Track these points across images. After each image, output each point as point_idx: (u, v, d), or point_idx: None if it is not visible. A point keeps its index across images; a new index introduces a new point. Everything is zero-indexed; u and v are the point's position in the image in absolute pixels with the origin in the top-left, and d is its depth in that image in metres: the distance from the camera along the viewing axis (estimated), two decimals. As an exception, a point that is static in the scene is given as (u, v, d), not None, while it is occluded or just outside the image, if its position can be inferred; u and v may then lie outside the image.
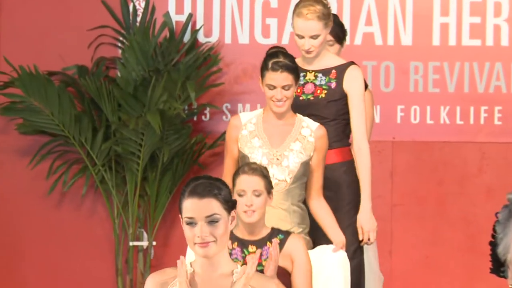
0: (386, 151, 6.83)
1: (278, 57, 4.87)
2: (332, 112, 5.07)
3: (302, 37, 4.94)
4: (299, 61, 5.07)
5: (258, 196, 4.31)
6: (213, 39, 6.89)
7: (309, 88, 5.15)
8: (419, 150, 6.98)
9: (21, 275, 6.52)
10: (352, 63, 5.22)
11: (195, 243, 2.89)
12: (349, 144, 5.11)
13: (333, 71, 5.09)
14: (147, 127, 6.46)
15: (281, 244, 4.33)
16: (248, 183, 4.30)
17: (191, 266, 2.98)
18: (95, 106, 6.74)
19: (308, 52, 4.98)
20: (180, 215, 2.90)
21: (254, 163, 4.62)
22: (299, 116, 4.57)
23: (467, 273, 6.62)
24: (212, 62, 6.76)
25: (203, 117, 6.73)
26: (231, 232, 3.91)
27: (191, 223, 2.90)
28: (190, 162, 6.59)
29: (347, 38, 6.17)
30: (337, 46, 5.68)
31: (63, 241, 6.61)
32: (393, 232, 6.75)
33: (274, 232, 4.36)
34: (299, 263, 4.39)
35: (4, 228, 6.97)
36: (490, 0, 6.92)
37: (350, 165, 5.12)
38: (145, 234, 6.91)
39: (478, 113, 6.86)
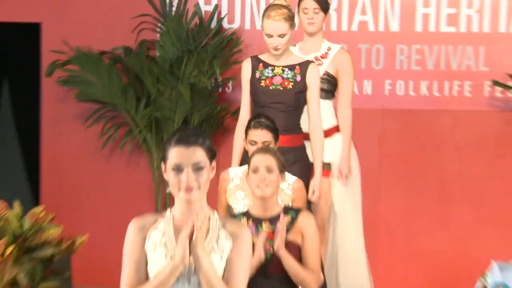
0: (376, 118, 7.36)
1: (260, 118, 5.34)
2: (297, 102, 5.65)
3: (271, 36, 5.46)
4: (266, 58, 5.74)
5: (270, 172, 4.52)
6: (235, 25, 7.43)
7: (277, 80, 5.69)
8: (403, 117, 7.47)
9: (79, 214, 6.99)
10: (311, 61, 5.83)
11: (179, 189, 2.94)
12: (301, 131, 5.84)
13: (297, 67, 5.65)
14: (181, 97, 6.97)
15: (293, 220, 4.54)
16: (261, 160, 4.55)
17: (170, 212, 3.09)
18: (138, 80, 7.25)
19: (276, 49, 5.49)
20: (163, 163, 2.99)
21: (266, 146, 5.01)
22: None
23: (442, 219, 7.21)
24: (234, 44, 7.33)
25: (226, 89, 7.25)
26: (247, 211, 4.63)
27: (178, 169, 2.94)
28: (216, 126, 7.09)
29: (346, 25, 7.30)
30: (322, 14, 6.08)
31: (113, 189, 7.13)
32: (381, 187, 7.31)
33: (286, 210, 4.60)
34: (309, 238, 4.59)
35: (66, 178, 7.54)
36: None
37: (302, 151, 5.77)
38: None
39: (451, 87, 7.38)
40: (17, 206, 5.91)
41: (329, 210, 6.06)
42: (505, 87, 7.11)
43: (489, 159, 7.22)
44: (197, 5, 7.27)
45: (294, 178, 5.04)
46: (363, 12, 7.36)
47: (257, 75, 5.69)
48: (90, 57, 7.19)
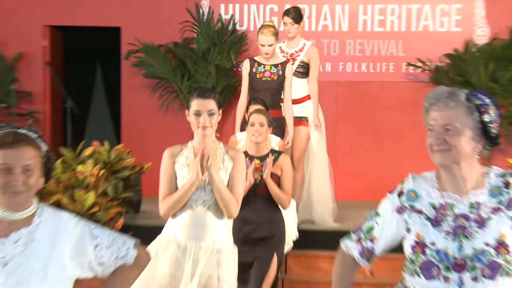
0: (333, 87, 9.50)
1: (257, 99, 6.30)
2: (279, 88, 6.88)
3: (263, 45, 6.74)
4: (260, 59, 6.91)
5: (262, 126, 5.34)
6: (244, 28, 9.55)
7: (267, 74, 6.87)
8: (350, 86, 9.74)
9: (146, 149, 8.13)
10: (288, 61, 7.17)
11: (198, 127, 3.90)
12: (281, 107, 6.98)
13: (279, 65, 6.86)
14: (209, 73, 9.00)
15: (276, 159, 5.34)
16: (256, 117, 5.38)
17: (191, 143, 4.06)
18: (182, 63, 9.20)
19: (266, 54, 6.72)
20: (187, 110, 4.02)
21: (259, 108, 5.82)
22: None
23: (376, 150, 9.15)
24: (243, 40, 9.41)
25: (238, 68, 8.93)
26: (245, 151, 5.34)
27: (197, 114, 3.90)
28: (232, 92, 9.03)
29: (313, 25, 9.28)
30: (296, 25, 7.41)
31: (167, 133, 8.55)
32: (337, 130, 9.10)
33: (272, 152, 5.42)
34: (285, 172, 5.46)
35: (137, 126, 9.43)
36: (388, 7, 9.66)
37: (283, 119, 6.88)
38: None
39: (381, 66, 9.69)
40: (106, 144, 7.47)
41: (305, 147, 7.32)
42: (415, 66, 9.26)
43: (405, 112, 8.90)
44: (219, 15, 9.32)
45: (278, 138, 6.18)
46: (325, 19, 9.50)
47: (254, 70, 6.90)
48: (152, 48, 9.10)
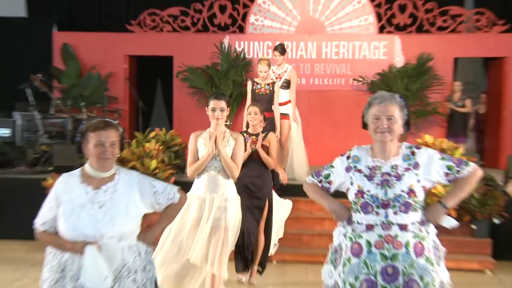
0: (306, 93, 9.77)
1: (255, 103, 5.72)
2: (270, 99, 6.86)
3: (260, 71, 6.82)
4: (258, 80, 6.82)
5: (256, 114, 5.28)
6: (250, 56, 10.24)
7: (263, 90, 6.89)
8: (317, 93, 10.07)
9: (189, 136, 7.70)
10: (275, 81, 6.93)
11: (213, 119, 4.16)
12: (272, 110, 6.86)
13: (270, 84, 6.89)
14: (229, 85, 9.65)
15: (265, 136, 5.33)
16: (253, 109, 5.31)
17: (208, 129, 4.25)
18: (212, 79, 10.02)
19: (263, 78, 6.82)
20: (206, 107, 4.22)
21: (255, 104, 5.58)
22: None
23: (332, 133, 9.67)
24: (250, 64, 10.06)
25: (247, 83, 7.51)
26: (246, 130, 5.38)
27: (213, 110, 4.19)
28: (243, 97, 8.75)
29: (290, 56, 9.68)
30: (282, 56, 7.44)
31: (202, 123, 5.50)
32: (308, 122, 9.03)
33: (263, 132, 5.36)
34: (272, 144, 5.40)
35: (183, 118, 9.83)
36: (341, 43, 9.89)
37: (273, 119, 6.83)
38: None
39: (337, 81, 10.12)
40: (163, 130, 7.74)
41: (288, 132, 7.49)
42: (358, 80, 9.98)
43: (351, 109, 9.54)
44: (235, 48, 10.29)
45: (271, 131, 5.77)
46: (301, 50, 10.29)
47: (254, 87, 6.96)
48: (192, 69, 10.11)
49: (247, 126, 5.57)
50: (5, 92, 9.63)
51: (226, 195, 4.41)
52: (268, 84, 6.94)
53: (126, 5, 11.19)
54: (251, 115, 5.36)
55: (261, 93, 6.94)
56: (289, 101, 7.57)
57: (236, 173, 4.40)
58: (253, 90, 7.02)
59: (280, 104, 7.25)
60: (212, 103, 4.30)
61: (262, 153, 5.31)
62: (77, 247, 2.85)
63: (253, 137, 5.40)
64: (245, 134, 5.31)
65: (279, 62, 7.62)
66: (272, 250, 5.93)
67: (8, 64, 10.48)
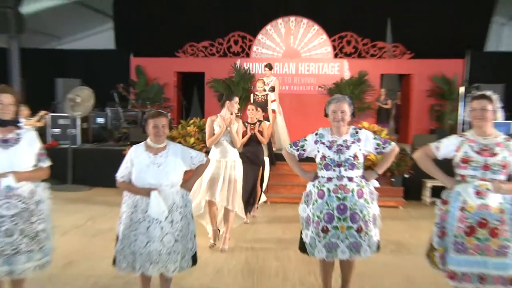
0: (288, 96, 9.90)
1: (253, 104, 5.33)
2: (265, 104, 6.88)
3: (258, 87, 7.05)
4: (256, 92, 6.90)
5: (253, 110, 5.04)
6: (254, 72, 10.33)
7: (260, 99, 6.98)
8: (294, 96, 10.13)
9: None
10: (267, 94, 7.01)
11: (229, 110, 4.02)
12: (267, 111, 6.90)
13: (265, 95, 7.02)
14: (239, 90, 9.72)
15: (260, 123, 5.16)
16: (252, 106, 4.97)
17: (220, 114, 4.13)
18: (229, 86, 10.08)
19: (260, 91, 6.98)
20: (228, 101, 4.09)
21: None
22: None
23: (305, 124, 8.09)
24: (253, 77, 10.11)
25: (252, 89, 9.58)
26: (247, 121, 4.98)
27: (234, 104, 4.07)
28: (248, 98, 9.12)
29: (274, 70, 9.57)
30: (270, 71, 7.66)
31: None
32: (289, 117, 8.60)
33: (258, 121, 5.16)
34: (264, 129, 5.16)
35: (210, 113, 8.44)
36: (311, 64, 10.01)
37: (267, 117, 6.86)
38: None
39: (309, 88, 10.24)
40: (198, 119, 7.33)
41: (274, 121, 7.41)
42: (322, 87, 10.12)
43: (317, 107, 8.89)
44: (243, 67, 10.36)
45: (268, 122, 5.98)
46: (285, 68, 10.41)
47: (254, 98, 7.16)
48: (217, 80, 10.33)
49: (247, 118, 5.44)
50: (101, 95, 9.28)
51: (233, 159, 4.28)
52: (263, 96, 7.18)
53: (175, 40, 10.90)
54: (249, 111, 5.28)
55: (259, 101, 7.11)
56: (274, 100, 7.78)
57: (238, 144, 4.29)
58: (254, 99, 7.29)
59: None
60: (232, 100, 4.34)
61: (258, 135, 5.19)
62: (145, 192, 2.76)
63: (252, 125, 5.23)
64: (246, 123, 5.18)
65: (268, 75, 7.86)
66: (265, 197, 5.89)
67: (103, 78, 10.32)
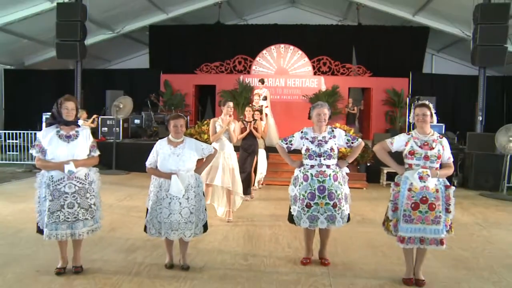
0: (278, 104, 9.45)
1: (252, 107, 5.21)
2: (261, 111, 5.72)
3: (255, 99, 6.45)
4: (254, 103, 6.24)
5: (250, 112, 4.86)
6: (252, 84, 10.05)
7: (257, 107, 5.91)
8: (283, 103, 9.89)
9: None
10: (265, 100, 6.91)
11: (227, 114, 3.73)
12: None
13: (261, 106, 6.39)
14: (242, 98, 9.56)
15: (255, 121, 5.00)
16: (248, 109, 4.77)
17: (220, 117, 3.84)
18: (233, 95, 9.65)
19: (256, 103, 6.32)
20: (223, 106, 3.82)
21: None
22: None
23: (293, 123, 7.13)
24: (252, 88, 9.78)
25: (251, 98, 9.01)
26: (245, 120, 4.81)
27: (227, 106, 3.78)
28: (248, 104, 8.43)
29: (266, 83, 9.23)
30: (263, 84, 7.76)
31: None
32: (280, 117, 8.73)
33: (254, 120, 5.00)
34: (259, 127, 5.00)
35: (220, 114, 7.56)
36: (297, 79, 9.82)
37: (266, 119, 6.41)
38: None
39: (294, 97, 10.05)
40: (210, 121, 4.73)
41: (267, 123, 6.61)
42: (305, 96, 9.64)
43: (301, 111, 8.42)
44: (244, 80, 10.13)
45: (263, 122, 5.49)
46: (277, 82, 10.30)
47: (253, 106, 5.91)
48: (225, 91, 10.02)
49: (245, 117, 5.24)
50: (138, 102, 9.25)
51: (230, 151, 4.16)
52: (260, 106, 6.66)
53: (194, 61, 10.90)
54: (247, 112, 5.25)
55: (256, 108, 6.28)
56: (267, 107, 7.75)
57: (235, 140, 4.11)
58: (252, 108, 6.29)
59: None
60: (224, 105, 4.15)
61: (253, 131, 5.09)
62: (167, 175, 2.73)
63: (249, 123, 5.13)
64: (244, 121, 5.10)
65: (260, 87, 7.93)
66: (262, 181, 5.86)
67: (140, 90, 10.35)
